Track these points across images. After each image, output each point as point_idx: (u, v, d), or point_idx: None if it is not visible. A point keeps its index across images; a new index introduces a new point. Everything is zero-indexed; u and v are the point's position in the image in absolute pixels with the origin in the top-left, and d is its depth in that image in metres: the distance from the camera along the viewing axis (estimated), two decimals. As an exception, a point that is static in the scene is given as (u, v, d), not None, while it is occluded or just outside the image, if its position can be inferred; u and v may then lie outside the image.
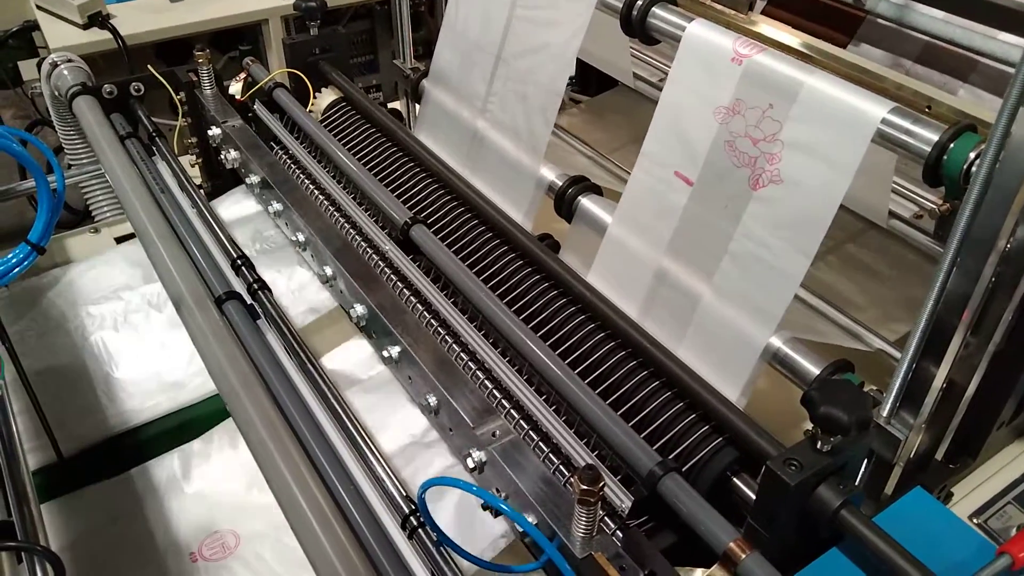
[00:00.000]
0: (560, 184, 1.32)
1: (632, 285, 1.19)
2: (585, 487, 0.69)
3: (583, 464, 0.77)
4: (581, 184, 1.30)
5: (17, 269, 0.90)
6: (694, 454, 0.91)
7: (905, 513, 0.87)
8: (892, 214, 1.14)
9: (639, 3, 1.18)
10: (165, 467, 1.12)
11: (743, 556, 0.74)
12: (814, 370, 0.99)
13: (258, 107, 1.49)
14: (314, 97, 1.57)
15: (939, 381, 0.91)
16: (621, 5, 1.20)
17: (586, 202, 1.29)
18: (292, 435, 0.86)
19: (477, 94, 1.49)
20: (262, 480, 0.83)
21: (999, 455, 1.19)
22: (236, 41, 2.64)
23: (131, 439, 1.14)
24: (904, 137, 0.90)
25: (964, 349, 0.90)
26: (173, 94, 1.48)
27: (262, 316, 1.08)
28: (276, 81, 1.52)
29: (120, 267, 1.39)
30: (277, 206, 1.31)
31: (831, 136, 0.96)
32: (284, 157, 1.45)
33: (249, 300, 1.09)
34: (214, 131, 1.43)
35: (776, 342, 1.04)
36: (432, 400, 0.95)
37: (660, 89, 1.50)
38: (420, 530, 0.80)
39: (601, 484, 0.69)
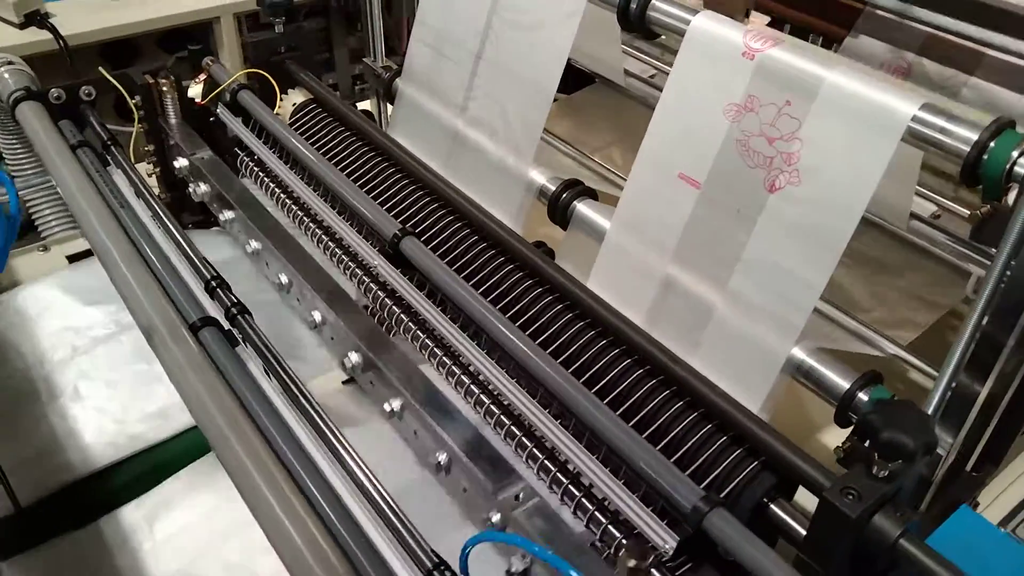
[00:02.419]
0: (553, 188, 1.24)
1: (636, 295, 1.12)
2: (634, 563, 0.61)
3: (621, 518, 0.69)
4: (576, 188, 1.23)
5: None
6: (728, 481, 0.84)
7: (955, 534, 0.82)
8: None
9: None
10: (135, 514, 1.01)
11: (805, 600, 0.68)
12: (843, 384, 0.93)
13: (222, 111, 1.38)
14: (280, 99, 1.46)
15: (983, 396, 0.86)
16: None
17: (582, 208, 1.21)
18: (288, 477, 0.77)
19: (456, 93, 1.40)
20: (242, 526, 0.73)
21: (1016, 460, 1.16)
22: (185, 40, 2.50)
23: (97, 484, 1.03)
24: (938, 136, 0.84)
25: (1008, 362, 0.85)
26: (128, 98, 1.36)
27: (242, 343, 0.98)
28: (240, 82, 1.41)
29: (75, 290, 1.27)
30: (255, 244, 1.21)
31: (857, 134, 0.90)
32: (254, 167, 1.35)
33: (227, 326, 0.99)
34: (181, 163, 1.33)
35: (799, 354, 0.98)
36: (443, 458, 0.87)
37: (651, 86, 1.46)
38: (445, 585, 0.72)
39: (651, 558, 0.61)
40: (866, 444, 0.73)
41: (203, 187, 1.32)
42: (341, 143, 1.34)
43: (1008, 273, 0.76)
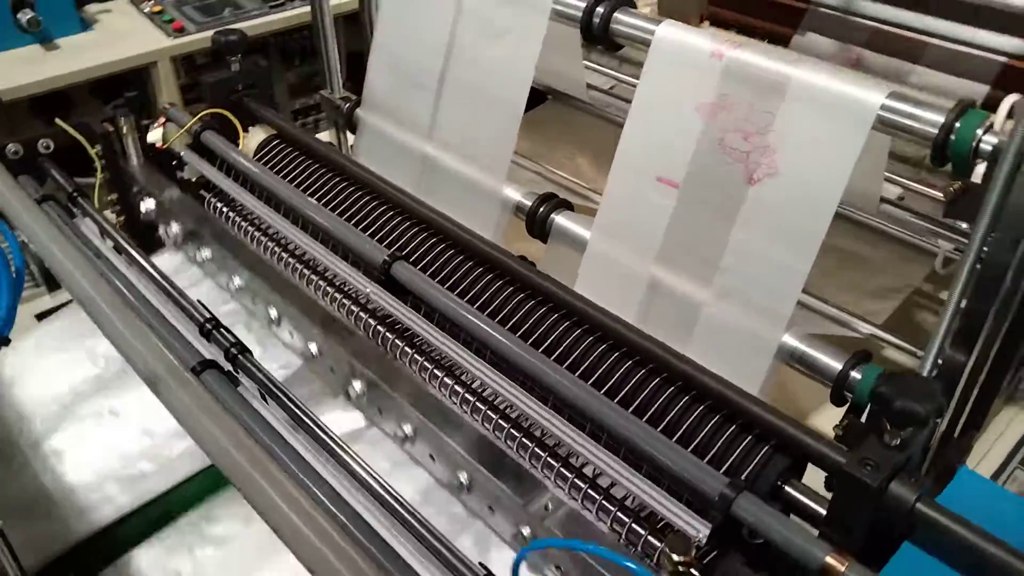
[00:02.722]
0: (529, 203, 1.26)
1: (623, 300, 1.15)
2: (678, 558, 0.63)
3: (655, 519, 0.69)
4: (552, 201, 1.25)
5: None
6: (744, 467, 0.87)
7: (962, 495, 0.86)
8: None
9: (600, 9, 1.14)
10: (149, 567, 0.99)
11: (843, 568, 0.71)
12: (836, 365, 0.97)
13: (187, 154, 1.37)
14: (242, 137, 1.45)
15: (970, 365, 0.90)
16: (580, 13, 1.16)
17: (561, 219, 1.24)
18: (321, 511, 0.77)
19: (422, 117, 1.42)
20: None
21: (994, 423, 1.22)
22: (120, 88, 2.46)
23: (103, 542, 1.00)
24: (907, 121, 0.89)
25: (990, 330, 0.90)
26: (89, 148, 1.33)
27: (245, 381, 0.97)
28: (203, 123, 1.40)
29: (52, 347, 1.24)
30: (238, 281, 1.20)
31: (829, 125, 0.95)
32: (224, 207, 1.34)
33: (226, 367, 0.98)
34: (147, 205, 1.31)
35: (790, 341, 1.01)
36: (464, 477, 0.87)
37: (616, 97, 1.50)
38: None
39: (695, 552, 0.63)
40: (877, 416, 0.76)
41: (175, 227, 1.30)
42: (313, 175, 1.34)
43: (990, 238, 0.81)
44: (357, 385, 1.02)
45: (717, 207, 1.06)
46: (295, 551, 0.73)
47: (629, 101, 1.35)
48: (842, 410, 1.00)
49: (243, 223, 1.31)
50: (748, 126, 1.03)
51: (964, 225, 1.01)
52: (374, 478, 0.84)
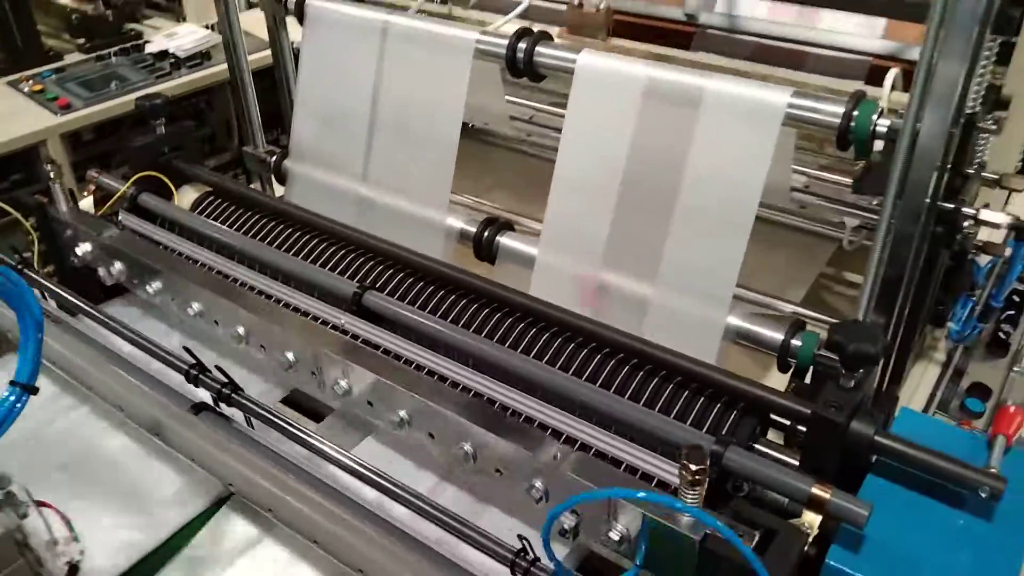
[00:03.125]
0: (474, 229, 1.34)
1: (575, 306, 1.24)
2: (696, 467, 0.72)
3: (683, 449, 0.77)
4: (496, 224, 1.34)
5: (11, 415, 0.76)
6: (719, 430, 0.97)
7: (907, 430, 0.98)
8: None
9: (523, 45, 1.25)
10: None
11: (828, 495, 0.81)
12: (779, 336, 1.09)
13: (125, 217, 1.37)
14: (176, 197, 1.47)
15: (891, 327, 1.04)
16: (504, 49, 1.26)
17: (507, 240, 1.33)
18: (350, 512, 0.82)
19: (354, 162, 1.48)
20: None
21: (910, 378, 1.37)
22: (7, 170, 2.38)
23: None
24: (812, 115, 1.04)
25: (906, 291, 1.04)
26: (23, 221, 1.32)
27: (242, 418, 0.99)
28: (137, 187, 1.41)
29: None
30: (197, 306, 1.19)
31: (744, 126, 1.08)
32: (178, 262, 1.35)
33: (219, 407, 1.00)
34: (85, 248, 1.29)
35: (735, 321, 1.13)
36: (467, 447, 0.92)
37: (537, 125, 1.61)
38: (534, 567, 0.78)
39: (708, 461, 0.72)
40: (821, 374, 0.88)
41: (117, 266, 1.26)
42: (259, 222, 1.38)
43: (899, 201, 0.95)
44: (343, 382, 1.03)
45: (653, 211, 1.18)
46: (335, 553, 0.77)
47: (550, 128, 1.48)
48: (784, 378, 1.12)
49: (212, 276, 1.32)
50: (672, 135, 1.15)
51: (874, 202, 1.17)
52: (384, 477, 0.88)
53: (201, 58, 2.81)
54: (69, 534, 0.74)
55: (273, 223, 1.38)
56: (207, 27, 2.93)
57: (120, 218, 1.38)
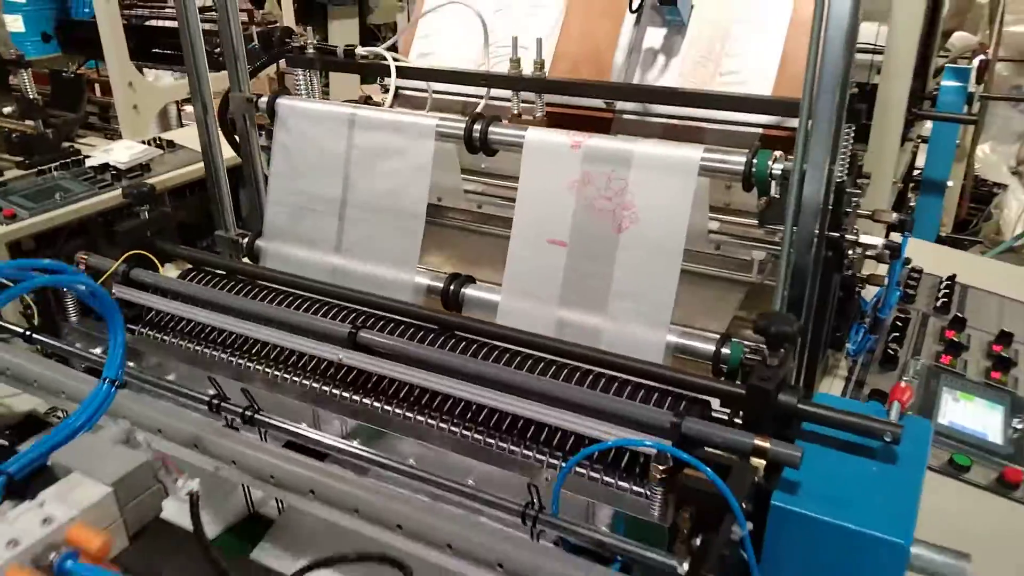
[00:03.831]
0: (441, 284, 1.53)
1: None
2: (663, 467, 0.92)
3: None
4: (460, 278, 1.54)
5: (102, 409, 0.87)
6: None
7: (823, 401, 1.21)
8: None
9: (478, 126, 1.49)
10: None
11: (768, 444, 1.01)
12: (711, 347, 1.32)
13: (119, 290, 1.50)
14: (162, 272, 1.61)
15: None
16: (462, 131, 1.50)
17: (471, 290, 1.52)
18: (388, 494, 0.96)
19: (327, 237, 1.66)
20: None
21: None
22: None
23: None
24: (722, 166, 1.30)
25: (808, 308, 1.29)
26: (25, 296, 1.43)
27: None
28: (128, 264, 1.55)
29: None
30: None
31: (668, 179, 1.34)
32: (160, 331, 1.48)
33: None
34: None
35: (673, 339, 1.35)
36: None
37: (489, 196, 1.84)
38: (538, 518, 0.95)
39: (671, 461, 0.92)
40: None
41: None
42: (247, 287, 1.53)
43: (795, 228, 1.21)
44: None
45: (598, 255, 1.41)
46: (374, 515, 0.91)
47: (498, 197, 1.71)
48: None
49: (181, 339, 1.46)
50: (609, 192, 1.39)
51: (777, 236, 1.44)
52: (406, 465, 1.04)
53: (141, 169, 2.97)
54: (183, 474, 0.85)
55: (259, 287, 1.54)
56: (142, 143, 3.10)
57: (114, 291, 1.51)
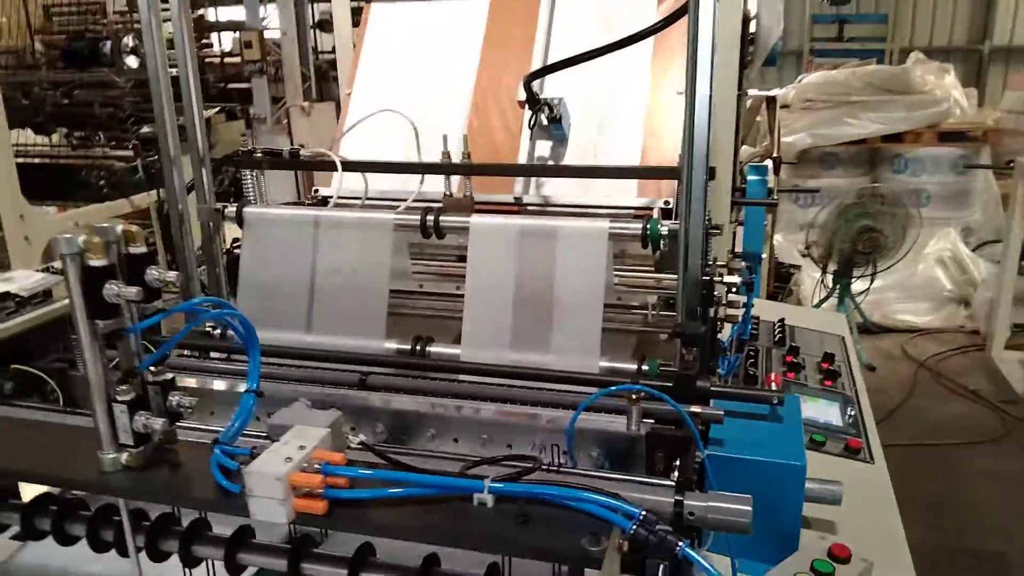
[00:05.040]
0: (408, 346, 1.87)
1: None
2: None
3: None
4: (423, 339, 1.88)
5: (250, 413, 1.13)
6: (624, 413, 1.57)
7: (721, 398, 1.65)
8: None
9: (430, 217, 1.88)
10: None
11: (700, 409, 1.43)
12: (633, 365, 1.74)
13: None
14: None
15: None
16: (418, 221, 1.88)
17: (435, 348, 1.87)
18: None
19: (296, 319, 1.95)
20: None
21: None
22: None
23: None
24: (625, 232, 1.77)
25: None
26: (48, 380, 1.62)
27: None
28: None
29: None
30: None
31: (587, 245, 1.78)
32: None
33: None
34: None
35: (604, 363, 1.76)
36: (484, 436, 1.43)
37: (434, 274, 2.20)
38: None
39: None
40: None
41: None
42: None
43: (686, 271, 1.68)
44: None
45: (539, 307, 1.81)
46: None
47: (443, 275, 2.09)
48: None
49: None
50: (542, 257, 1.81)
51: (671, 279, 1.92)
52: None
53: (43, 295, 3.07)
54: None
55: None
56: (38, 271, 3.22)
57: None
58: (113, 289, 1.12)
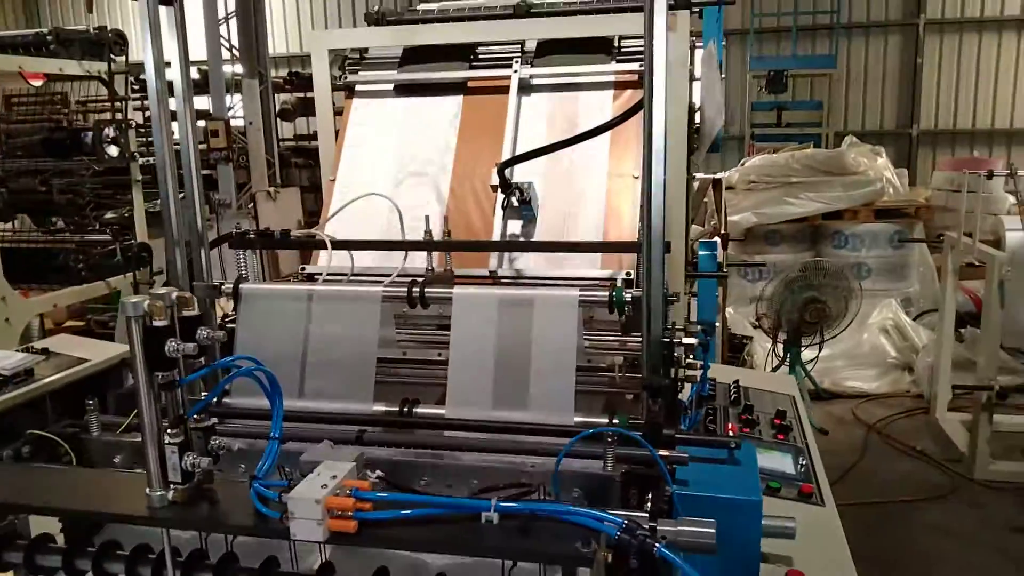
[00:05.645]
0: (396, 408, 2.03)
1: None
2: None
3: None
4: (410, 401, 2.04)
5: (275, 457, 1.27)
6: (599, 460, 1.74)
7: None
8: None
9: (416, 289, 2.06)
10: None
11: (667, 452, 1.61)
12: (604, 420, 1.92)
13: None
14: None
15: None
16: (405, 292, 2.06)
17: (421, 409, 2.03)
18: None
19: (291, 386, 2.10)
20: None
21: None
22: None
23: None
24: (594, 298, 1.97)
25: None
26: (66, 446, 1.73)
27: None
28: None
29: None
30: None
31: (559, 311, 1.98)
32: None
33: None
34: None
35: (578, 419, 1.94)
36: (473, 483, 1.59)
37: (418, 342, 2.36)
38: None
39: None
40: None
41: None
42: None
43: (650, 332, 1.88)
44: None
45: (517, 368, 1.99)
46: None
47: (426, 342, 2.26)
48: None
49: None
50: (519, 323, 2.00)
51: (635, 342, 2.11)
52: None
53: (25, 374, 3.15)
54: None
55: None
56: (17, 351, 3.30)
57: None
58: (173, 345, 1.28)
